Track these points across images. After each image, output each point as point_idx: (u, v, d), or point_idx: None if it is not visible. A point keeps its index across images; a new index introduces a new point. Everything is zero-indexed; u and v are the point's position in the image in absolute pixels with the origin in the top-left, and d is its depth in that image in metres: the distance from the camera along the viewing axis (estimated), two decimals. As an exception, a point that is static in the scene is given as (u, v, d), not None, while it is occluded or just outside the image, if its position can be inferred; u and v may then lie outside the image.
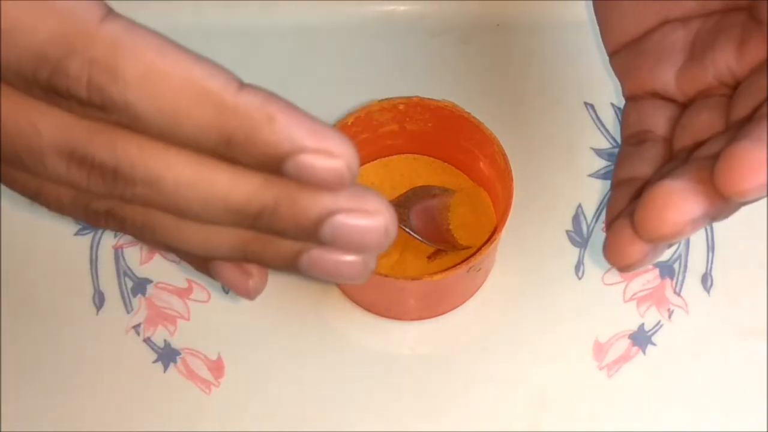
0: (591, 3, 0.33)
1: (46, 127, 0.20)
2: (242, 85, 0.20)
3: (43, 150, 0.21)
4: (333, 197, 0.21)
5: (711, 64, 0.28)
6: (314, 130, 0.20)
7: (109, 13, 0.20)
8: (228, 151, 0.20)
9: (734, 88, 0.28)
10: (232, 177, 0.21)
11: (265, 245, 0.22)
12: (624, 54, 0.31)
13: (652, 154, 0.29)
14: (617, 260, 0.26)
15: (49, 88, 0.20)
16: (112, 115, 0.20)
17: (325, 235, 0.21)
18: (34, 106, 0.20)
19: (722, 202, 0.23)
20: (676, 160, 0.28)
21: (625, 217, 0.25)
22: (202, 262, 0.25)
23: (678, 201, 0.23)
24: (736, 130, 0.25)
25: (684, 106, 0.29)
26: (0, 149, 0.21)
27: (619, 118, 0.44)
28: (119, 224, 0.22)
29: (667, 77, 0.29)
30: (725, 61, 0.28)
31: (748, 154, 0.22)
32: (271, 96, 0.20)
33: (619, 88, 0.32)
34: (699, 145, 0.27)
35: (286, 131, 0.20)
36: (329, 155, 0.20)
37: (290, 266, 0.23)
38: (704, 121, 0.28)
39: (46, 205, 0.23)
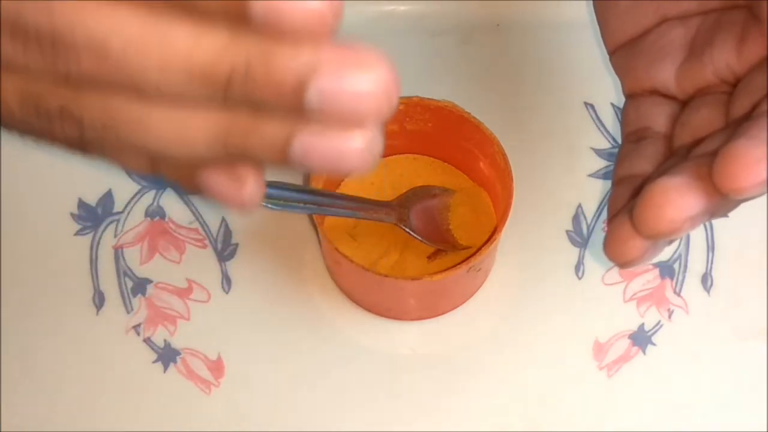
0: (591, 3, 0.33)
1: None
2: None
3: None
4: (314, 50, 0.17)
5: (710, 61, 0.28)
6: None
7: None
8: None
9: (734, 85, 0.28)
10: (191, 32, 0.17)
11: (248, 133, 0.19)
12: (624, 52, 0.31)
13: (652, 151, 0.29)
14: (617, 256, 0.26)
15: None
16: None
17: (311, 102, 0.17)
18: None
19: (720, 199, 0.23)
20: (676, 157, 0.28)
21: (624, 214, 0.25)
22: (189, 177, 0.21)
23: (676, 198, 0.23)
24: (735, 127, 0.25)
25: (684, 104, 0.29)
26: None
27: (620, 118, 0.44)
28: (77, 126, 0.19)
29: (666, 75, 0.29)
30: (725, 59, 0.28)
31: (746, 151, 0.22)
32: None
33: (620, 87, 0.32)
34: (698, 142, 0.27)
35: None
36: None
37: (282, 158, 0.19)
38: (704, 118, 0.28)
39: None
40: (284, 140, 0.19)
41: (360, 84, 0.17)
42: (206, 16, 0.17)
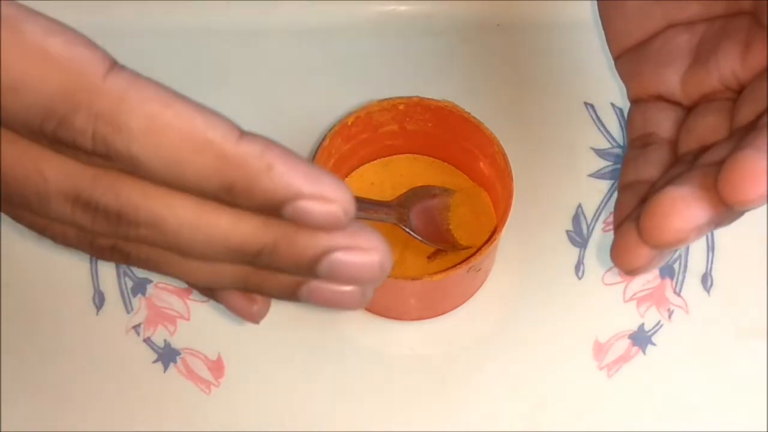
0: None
1: (52, 173, 0.21)
2: (242, 134, 0.21)
3: (49, 194, 0.21)
4: (329, 236, 0.22)
5: (715, 68, 0.28)
6: (311, 176, 0.21)
7: (114, 65, 0.20)
8: (228, 197, 0.21)
9: (739, 92, 0.28)
10: (233, 219, 0.22)
11: (266, 278, 0.23)
12: (629, 57, 0.31)
13: (657, 156, 0.29)
14: (624, 264, 0.26)
15: (55, 139, 0.20)
16: (116, 163, 0.21)
17: (323, 271, 0.22)
18: (40, 153, 0.21)
19: (726, 209, 0.23)
20: (682, 164, 0.28)
21: (631, 222, 0.25)
22: (210, 293, 0.26)
23: (682, 208, 0.23)
24: (740, 136, 0.25)
25: (689, 110, 0.29)
26: (10, 193, 0.22)
27: (620, 118, 0.44)
28: (124, 258, 0.23)
29: (671, 81, 0.29)
30: (730, 66, 0.28)
31: (751, 163, 0.22)
32: (270, 143, 0.21)
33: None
34: (704, 148, 0.27)
35: (284, 178, 0.21)
36: (325, 201, 0.21)
37: (290, 296, 0.24)
38: (709, 125, 0.28)
39: (52, 239, 0.23)
40: (294, 286, 0.23)
41: (362, 263, 0.22)
42: (245, 209, 0.21)
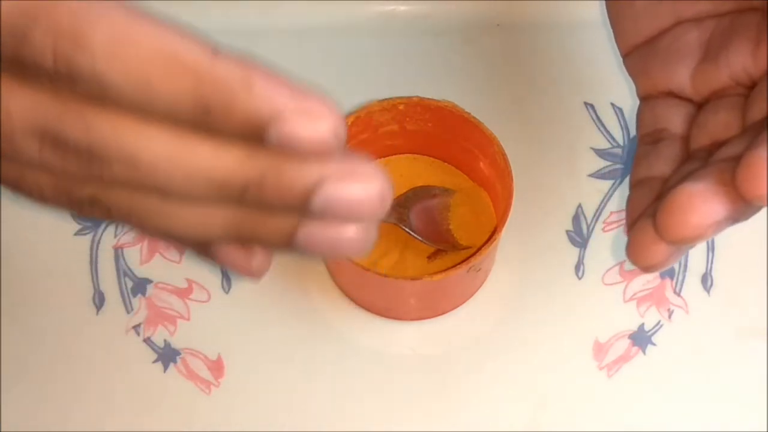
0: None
1: (16, 107, 0.20)
2: (217, 50, 0.19)
3: (14, 131, 0.20)
4: (320, 165, 0.20)
5: (726, 64, 0.28)
6: (295, 91, 0.19)
7: None
8: (206, 120, 0.19)
9: (750, 87, 0.28)
10: (213, 150, 0.20)
11: (258, 222, 0.21)
12: (638, 54, 0.31)
13: (669, 152, 0.29)
14: (641, 261, 0.26)
15: (14, 59, 0.19)
16: (82, 86, 0.19)
17: (317, 206, 0.20)
18: (3, 85, 0.20)
19: (744, 205, 0.23)
20: (695, 160, 0.28)
21: (647, 218, 0.25)
22: (203, 247, 0.24)
23: (700, 204, 0.23)
24: (755, 132, 0.25)
25: (699, 106, 0.29)
26: None
27: (620, 118, 0.44)
28: (105, 211, 0.22)
29: (681, 77, 0.29)
30: (741, 62, 0.28)
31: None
32: (249, 60, 0.19)
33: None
34: (717, 144, 0.27)
35: (266, 94, 0.19)
36: (312, 116, 0.19)
37: (288, 244, 0.21)
38: (721, 121, 0.28)
39: (28, 194, 0.22)
40: (289, 231, 0.21)
41: (358, 193, 0.20)
42: (225, 136, 0.20)
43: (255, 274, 0.23)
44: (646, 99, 0.31)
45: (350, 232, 0.21)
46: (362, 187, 0.20)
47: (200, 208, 0.21)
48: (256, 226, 0.21)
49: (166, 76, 0.19)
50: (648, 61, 0.30)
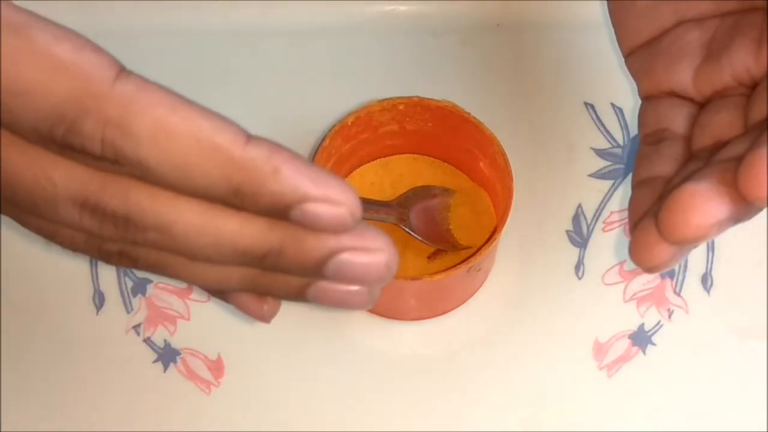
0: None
1: (61, 178, 0.21)
2: (249, 138, 0.21)
3: (57, 199, 0.22)
4: (336, 238, 0.22)
5: (728, 64, 0.28)
6: (318, 179, 0.21)
7: (122, 70, 0.21)
8: (236, 200, 0.21)
9: (752, 87, 0.28)
10: (240, 222, 0.22)
11: (274, 280, 0.23)
12: (640, 54, 0.31)
13: (671, 152, 0.29)
14: (644, 261, 0.26)
15: (64, 144, 0.20)
16: (125, 168, 0.21)
17: (329, 272, 0.22)
18: (49, 158, 0.21)
19: (746, 205, 0.23)
20: (698, 160, 0.28)
21: (650, 218, 0.25)
22: (220, 294, 0.26)
23: (702, 204, 0.23)
24: (756, 132, 0.25)
25: (701, 106, 0.29)
26: (18, 198, 0.22)
27: (620, 118, 0.44)
28: (131, 262, 0.23)
29: (684, 77, 0.29)
30: (743, 62, 0.28)
31: None
32: (276, 147, 0.21)
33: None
34: (719, 144, 0.27)
35: (291, 182, 0.21)
36: (332, 203, 0.21)
37: (299, 297, 0.24)
38: (723, 121, 0.28)
39: (60, 244, 0.24)
40: (302, 287, 0.24)
41: (368, 264, 0.22)
42: (252, 213, 0.22)
43: (265, 318, 0.26)
44: (648, 99, 0.31)
45: (358, 290, 0.23)
46: (371, 258, 0.22)
47: (222, 267, 0.23)
48: (271, 283, 0.24)
49: (202, 163, 0.21)
50: (650, 61, 0.30)
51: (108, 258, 0.23)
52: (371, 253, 0.22)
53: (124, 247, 0.23)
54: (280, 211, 0.21)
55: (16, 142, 0.21)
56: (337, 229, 0.22)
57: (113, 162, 0.21)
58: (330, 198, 0.21)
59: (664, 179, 0.28)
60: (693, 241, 0.24)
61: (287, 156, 0.21)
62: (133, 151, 0.20)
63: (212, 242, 0.22)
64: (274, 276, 0.23)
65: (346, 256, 0.22)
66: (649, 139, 0.30)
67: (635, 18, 0.31)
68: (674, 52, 0.30)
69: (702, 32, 0.29)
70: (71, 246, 0.23)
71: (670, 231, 0.24)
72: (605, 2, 0.32)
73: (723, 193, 0.23)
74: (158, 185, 0.21)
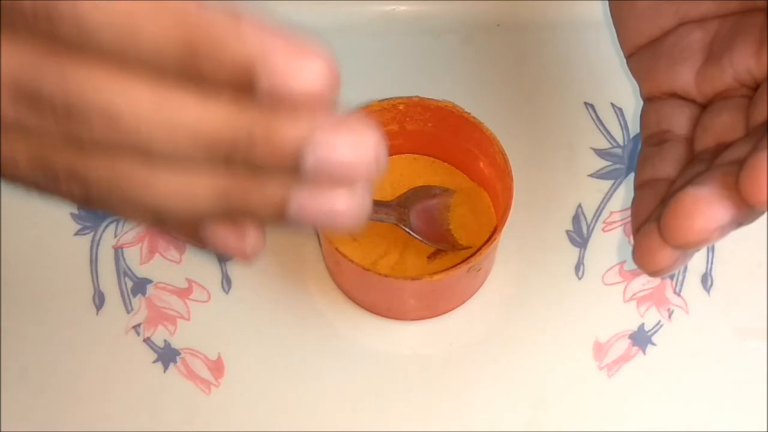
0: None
1: None
2: None
3: None
4: (312, 119, 0.19)
5: (730, 65, 0.28)
6: (286, 33, 0.19)
7: None
8: (193, 67, 0.18)
9: (754, 89, 0.28)
10: (199, 103, 0.19)
11: (248, 192, 0.20)
12: (641, 55, 0.31)
13: (673, 154, 0.29)
14: (648, 266, 0.26)
15: None
16: (61, 30, 0.18)
17: (308, 166, 0.19)
18: None
19: (748, 209, 0.23)
20: (700, 162, 0.28)
21: (652, 223, 0.25)
22: (193, 230, 0.22)
23: (704, 208, 0.23)
24: (758, 135, 0.25)
25: (703, 107, 0.29)
26: None
27: (620, 118, 0.44)
28: (83, 186, 0.20)
29: (685, 78, 0.29)
30: (744, 63, 0.28)
31: None
32: (237, 8, 0.19)
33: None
34: (722, 146, 0.27)
35: (256, 36, 0.18)
36: (304, 56, 0.18)
37: (280, 215, 0.21)
38: (725, 122, 0.28)
39: (3, 167, 0.21)
40: (282, 200, 0.20)
41: (352, 152, 0.19)
42: (212, 88, 0.19)
43: (249, 256, 0.23)
44: (649, 100, 0.31)
45: (343, 198, 0.20)
46: (356, 145, 0.19)
47: (186, 175, 0.20)
48: (246, 196, 0.20)
49: (151, 19, 0.18)
50: (652, 62, 0.30)
51: (56, 182, 0.20)
52: (354, 133, 0.19)
53: (71, 162, 0.20)
54: (244, 83, 0.18)
55: None
56: (311, 100, 0.19)
57: (47, 24, 0.18)
58: (301, 50, 0.18)
59: (667, 181, 0.28)
60: (696, 246, 0.24)
61: (250, 15, 0.18)
62: (68, 6, 0.18)
63: (167, 130, 0.19)
64: (249, 186, 0.20)
65: (324, 146, 0.19)
66: (651, 141, 0.30)
67: (636, 19, 0.31)
68: (676, 53, 0.30)
69: (703, 33, 0.29)
70: (14, 167, 0.20)
71: (673, 236, 0.24)
72: (606, 2, 0.32)
73: (725, 197, 0.23)
74: (99, 56, 0.18)
